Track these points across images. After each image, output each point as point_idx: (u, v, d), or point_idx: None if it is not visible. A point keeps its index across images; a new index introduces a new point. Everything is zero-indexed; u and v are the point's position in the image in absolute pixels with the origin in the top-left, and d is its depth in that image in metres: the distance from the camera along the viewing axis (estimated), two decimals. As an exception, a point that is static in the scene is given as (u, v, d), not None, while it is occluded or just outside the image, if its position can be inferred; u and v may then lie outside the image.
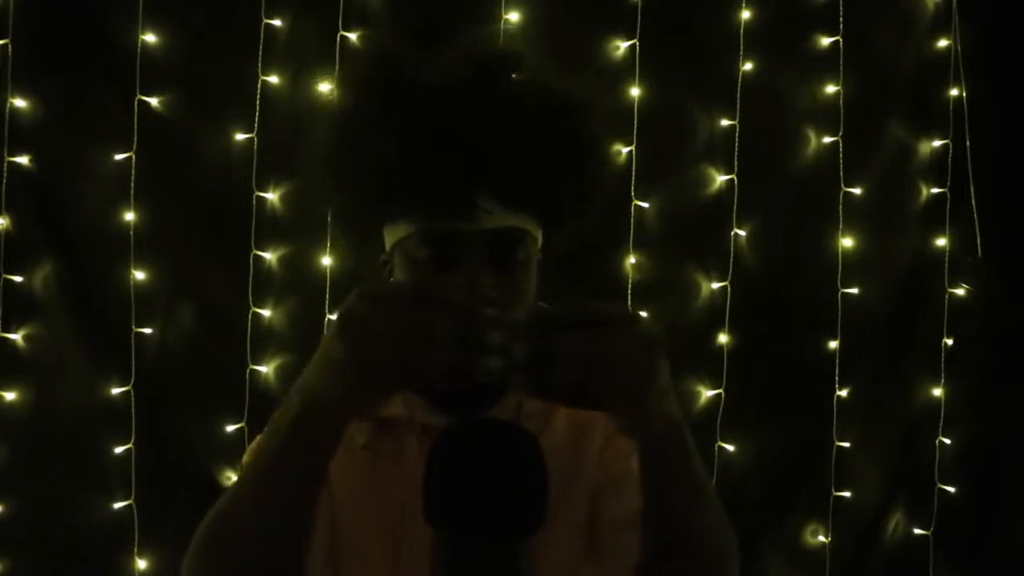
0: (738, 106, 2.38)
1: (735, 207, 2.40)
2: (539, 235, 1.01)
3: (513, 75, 0.97)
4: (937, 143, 2.50)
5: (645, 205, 2.38)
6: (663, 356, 0.77)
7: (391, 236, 0.99)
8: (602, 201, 1.03)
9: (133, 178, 2.23)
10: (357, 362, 0.74)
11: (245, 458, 1.04)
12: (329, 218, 2.21)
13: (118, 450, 2.24)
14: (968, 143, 2.46)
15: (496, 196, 0.93)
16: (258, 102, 2.26)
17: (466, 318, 0.73)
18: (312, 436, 0.80)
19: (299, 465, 0.80)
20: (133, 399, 2.24)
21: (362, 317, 0.74)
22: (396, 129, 0.93)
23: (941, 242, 2.49)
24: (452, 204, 0.91)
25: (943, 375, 2.50)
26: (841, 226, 2.44)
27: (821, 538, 2.47)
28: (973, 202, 2.45)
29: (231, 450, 2.26)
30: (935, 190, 2.50)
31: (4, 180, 2.21)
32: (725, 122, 2.40)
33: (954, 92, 2.47)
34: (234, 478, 2.24)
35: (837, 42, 2.43)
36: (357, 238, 1.08)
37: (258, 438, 1.04)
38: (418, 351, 0.71)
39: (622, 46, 2.36)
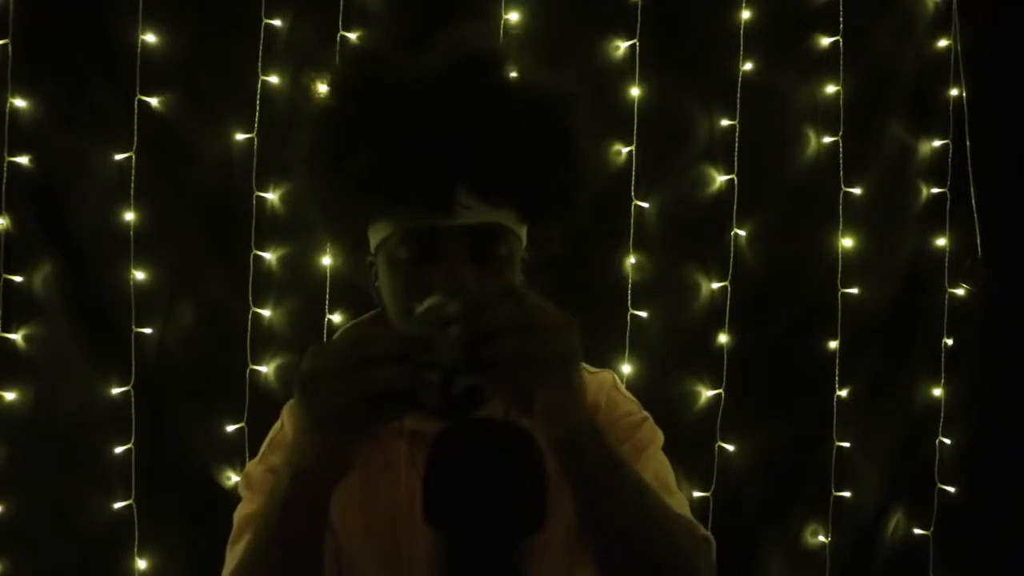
0: (738, 106, 2.38)
1: (735, 207, 2.40)
2: (523, 233, 1.00)
3: (493, 71, 0.97)
4: (937, 143, 2.50)
5: (645, 205, 2.38)
6: (580, 358, 0.78)
7: (375, 237, 1.00)
8: (587, 196, 1.02)
9: (133, 178, 2.23)
10: (313, 417, 0.76)
11: (241, 487, 1.06)
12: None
13: (118, 450, 2.24)
14: (968, 143, 2.46)
15: (475, 191, 0.92)
16: (258, 102, 2.26)
17: (397, 344, 0.74)
18: (303, 504, 0.83)
19: (298, 529, 0.84)
20: (133, 399, 2.24)
21: (309, 373, 0.75)
22: (374, 127, 0.93)
23: (941, 242, 2.49)
24: (431, 200, 0.91)
25: (943, 375, 2.50)
26: (841, 226, 2.44)
27: (821, 538, 2.47)
28: (973, 202, 2.44)
29: (231, 450, 2.26)
30: (935, 190, 2.50)
31: (4, 180, 2.21)
32: (725, 122, 2.40)
33: (954, 92, 2.47)
34: (234, 478, 2.25)
35: (837, 42, 2.42)
36: (344, 241, 1.09)
37: (256, 467, 1.05)
38: (361, 388, 0.72)
39: (622, 46, 2.36)
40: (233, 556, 0.97)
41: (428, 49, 0.98)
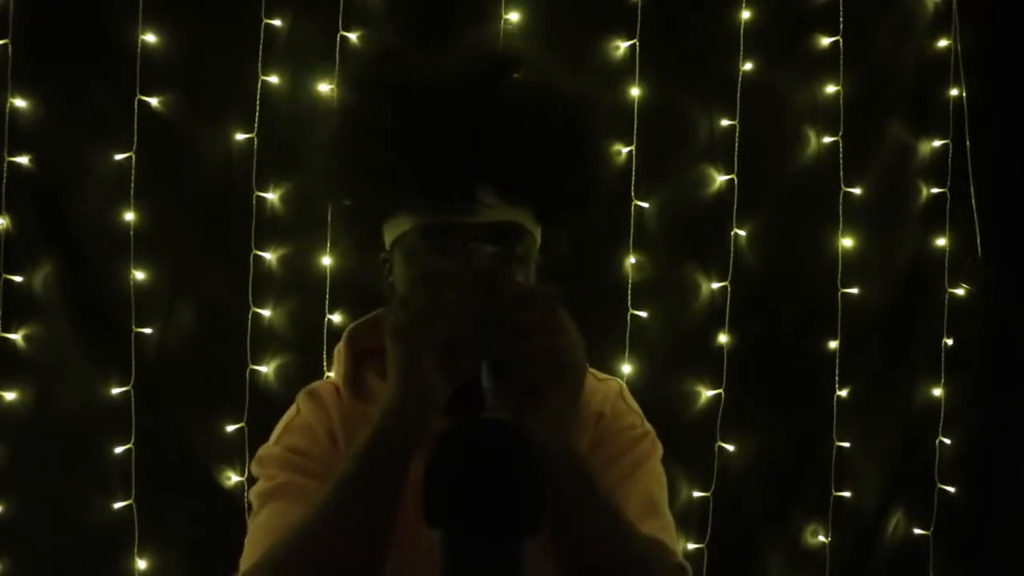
0: (738, 106, 2.38)
1: (735, 207, 2.40)
2: (538, 234, 1.01)
3: (518, 71, 0.98)
4: (937, 143, 2.50)
5: (645, 205, 2.37)
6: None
7: (391, 232, 1.00)
8: (602, 197, 1.04)
9: (133, 178, 2.23)
10: (399, 367, 0.80)
11: (255, 469, 1.05)
12: (330, 217, 2.22)
13: (118, 450, 2.24)
14: (968, 143, 2.46)
15: (496, 189, 0.93)
16: (258, 102, 2.26)
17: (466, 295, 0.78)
18: (398, 440, 0.83)
19: (385, 473, 0.83)
20: (133, 399, 2.24)
21: (396, 323, 0.79)
22: (398, 122, 0.94)
23: (941, 242, 2.49)
24: (452, 196, 0.92)
25: (943, 375, 2.50)
26: (841, 226, 2.43)
27: (821, 538, 2.47)
28: (973, 202, 2.44)
29: (231, 450, 2.26)
30: (935, 190, 2.50)
31: (4, 180, 2.21)
32: (725, 122, 2.40)
33: (954, 92, 2.47)
34: (235, 478, 2.25)
35: (837, 42, 2.42)
36: (357, 237, 1.09)
37: (271, 448, 1.04)
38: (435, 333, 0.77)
39: (622, 46, 2.36)
40: (255, 528, 0.98)
41: (452, 49, 0.99)
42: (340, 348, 1.10)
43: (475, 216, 0.93)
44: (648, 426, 1.09)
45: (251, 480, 1.05)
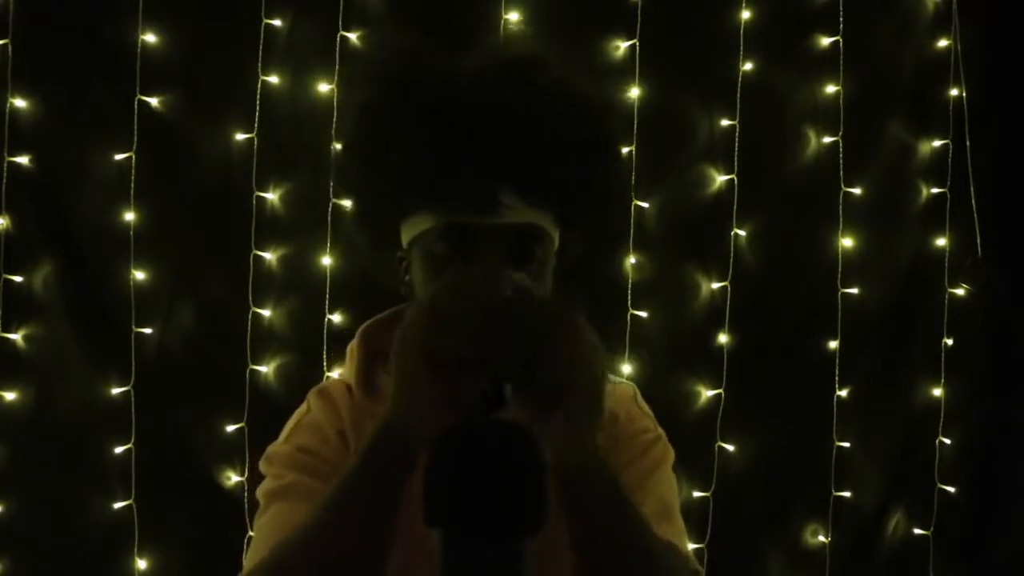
0: (738, 106, 2.38)
1: (735, 207, 2.40)
2: (556, 236, 1.02)
3: (544, 73, 0.98)
4: (937, 143, 2.50)
5: (645, 205, 2.37)
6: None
7: (409, 232, 1.00)
8: (620, 200, 1.05)
9: (133, 178, 2.23)
10: (400, 383, 0.77)
11: (263, 466, 1.05)
12: (331, 217, 2.22)
13: (118, 450, 2.24)
14: (968, 143, 2.46)
15: (518, 191, 0.93)
16: (258, 102, 2.26)
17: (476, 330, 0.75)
18: (395, 449, 0.81)
19: (385, 479, 0.82)
20: (133, 399, 2.24)
21: (404, 336, 0.77)
22: (421, 122, 0.94)
23: (941, 242, 2.49)
24: (475, 196, 0.92)
25: (943, 375, 2.50)
26: (841, 226, 2.44)
27: (821, 538, 2.47)
28: (973, 202, 2.44)
29: (231, 450, 2.26)
30: (935, 190, 2.50)
31: (4, 180, 2.21)
32: (725, 122, 2.40)
33: (954, 92, 2.47)
34: (235, 478, 2.25)
35: (837, 42, 2.42)
36: (375, 235, 1.08)
37: (280, 447, 1.04)
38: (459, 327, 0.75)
39: (622, 46, 2.36)
40: (260, 527, 0.98)
41: (473, 49, 0.99)
42: (353, 346, 1.10)
43: (495, 217, 0.93)
44: (660, 431, 1.09)
45: (259, 477, 1.05)
